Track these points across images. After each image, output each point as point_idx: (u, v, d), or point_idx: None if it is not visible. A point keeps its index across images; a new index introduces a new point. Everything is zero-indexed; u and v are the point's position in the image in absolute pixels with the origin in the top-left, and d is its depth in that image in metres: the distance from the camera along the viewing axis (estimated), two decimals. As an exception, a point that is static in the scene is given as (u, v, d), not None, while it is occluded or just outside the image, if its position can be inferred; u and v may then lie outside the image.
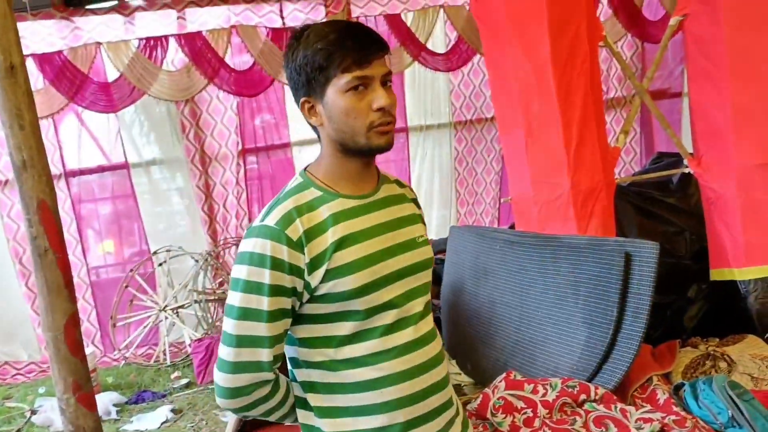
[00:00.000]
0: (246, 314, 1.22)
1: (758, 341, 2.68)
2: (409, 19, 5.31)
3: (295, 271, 1.21)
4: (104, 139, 5.15)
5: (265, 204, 5.41)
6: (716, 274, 3.05)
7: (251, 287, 1.21)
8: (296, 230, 1.21)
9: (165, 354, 4.93)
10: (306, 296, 1.24)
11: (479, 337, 2.97)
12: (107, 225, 5.34)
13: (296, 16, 5.13)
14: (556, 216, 2.97)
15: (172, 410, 4.03)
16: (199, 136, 5.22)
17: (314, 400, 1.30)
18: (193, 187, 5.26)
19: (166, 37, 4.91)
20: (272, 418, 1.35)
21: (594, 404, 2.22)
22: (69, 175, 5.04)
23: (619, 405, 2.20)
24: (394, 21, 5.27)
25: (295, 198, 1.26)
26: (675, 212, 3.26)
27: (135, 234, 5.37)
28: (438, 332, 1.41)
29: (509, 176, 3.35)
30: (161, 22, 4.90)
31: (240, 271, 1.22)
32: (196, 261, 5.10)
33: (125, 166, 5.17)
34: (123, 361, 4.99)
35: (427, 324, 1.36)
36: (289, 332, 1.29)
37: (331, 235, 1.23)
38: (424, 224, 1.45)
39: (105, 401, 4.07)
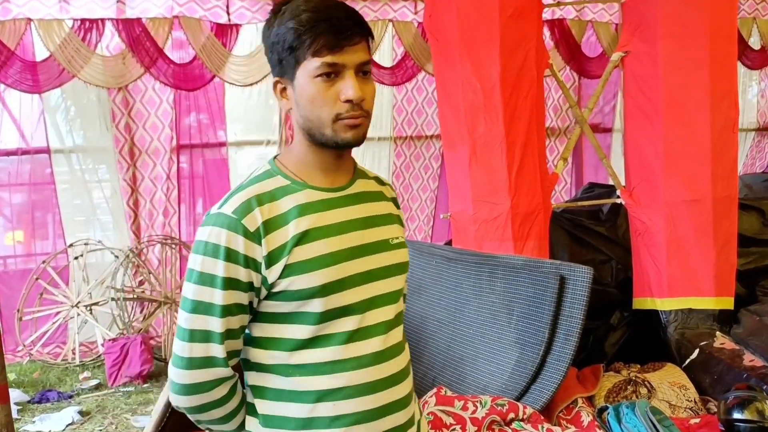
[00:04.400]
0: (198, 308, 1.13)
1: (676, 370, 2.79)
2: (357, 29, 5.28)
3: (251, 264, 1.12)
4: (26, 121, 4.84)
5: (195, 203, 5.08)
6: (639, 303, 3.17)
7: (204, 279, 1.12)
8: (254, 220, 1.12)
9: (74, 353, 4.65)
10: (264, 292, 1.15)
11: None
12: (20, 213, 5.01)
13: (243, 14, 5.00)
14: (494, 235, 3.00)
15: (80, 412, 3.78)
16: (130, 127, 4.99)
17: (262, 407, 1.20)
18: (119, 180, 5.01)
19: (103, 20, 4.69)
20: (227, 428, 1.23)
21: (522, 423, 2.23)
22: (-17, 156, 4.73)
23: (546, 425, 2.23)
24: (342, 30, 5.24)
25: (258, 186, 1.16)
26: (604, 241, 3.37)
27: (50, 225, 5.05)
28: (407, 345, 1.31)
29: (450, 192, 3.36)
30: (99, 4, 4.66)
31: (194, 262, 1.13)
32: (116, 257, 4.85)
33: (46, 151, 4.88)
34: (27, 358, 4.67)
35: (397, 335, 1.26)
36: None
37: (292, 228, 1.14)
38: (403, 225, 1.35)
39: (4, 400, 3.79)
